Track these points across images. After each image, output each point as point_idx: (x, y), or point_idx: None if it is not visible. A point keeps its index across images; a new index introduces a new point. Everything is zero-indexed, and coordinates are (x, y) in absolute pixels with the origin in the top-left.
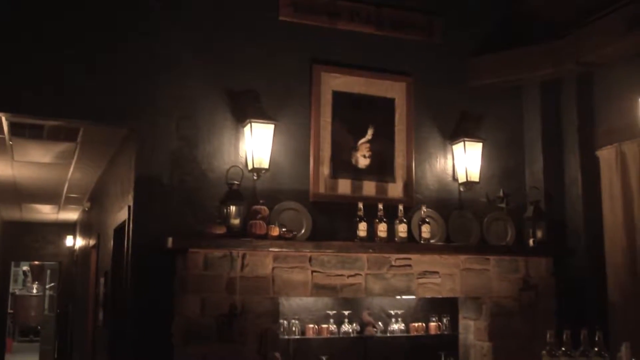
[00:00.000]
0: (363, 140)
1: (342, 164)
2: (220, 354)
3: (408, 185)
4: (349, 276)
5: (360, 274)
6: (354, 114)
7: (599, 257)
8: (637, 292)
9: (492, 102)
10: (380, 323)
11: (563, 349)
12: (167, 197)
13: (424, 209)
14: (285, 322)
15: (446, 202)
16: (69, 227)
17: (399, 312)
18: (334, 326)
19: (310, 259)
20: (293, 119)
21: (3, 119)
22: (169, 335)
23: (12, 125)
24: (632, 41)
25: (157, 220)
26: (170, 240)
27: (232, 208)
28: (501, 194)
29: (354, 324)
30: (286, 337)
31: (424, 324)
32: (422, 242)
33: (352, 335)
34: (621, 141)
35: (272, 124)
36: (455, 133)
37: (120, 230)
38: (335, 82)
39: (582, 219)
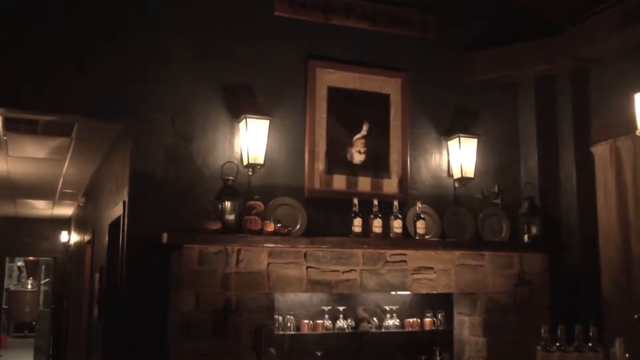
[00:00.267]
0: (358, 136)
1: (337, 160)
2: (215, 349)
3: (403, 181)
4: (344, 272)
5: (355, 270)
6: (349, 109)
7: (594, 252)
8: (631, 287)
9: (487, 98)
10: (375, 319)
11: (557, 344)
12: (162, 192)
13: (419, 204)
14: (280, 317)
15: (441, 198)
16: (63, 223)
17: (394, 307)
18: (329, 322)
19: (305, 255)
20: (288, 114)
21: None
22: (163, 331)
23: (6, 121)
24: (627, 37)
25: (152, 216)
26: (165, 235)
27: (227, 204)
28: (496, 189)
29: (349, 320)
30: (281, 332)
31: (418, 320)
32: (417, 237)
33: (347, 331)
34: (616, 137)
35: (267, 119)
36: (450, 129)
37: (115, 225)
38: (331, 77)
39: (577, 215)
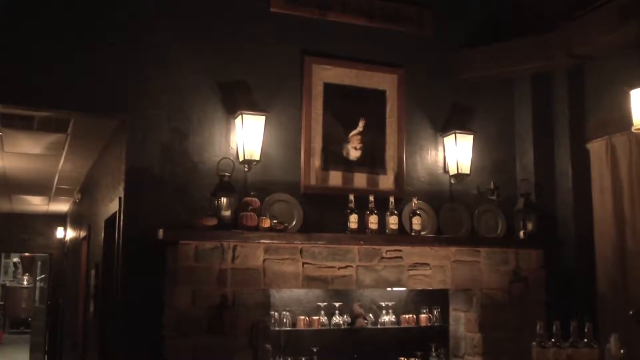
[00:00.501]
0: (354, 132)
1: (333, 156)
2: (211, 345)
3: (399, 177)
4: (339, 268)
5: (351, 266)
6: (345, 105)
7: (589, 249)
8: (626, 284)
9: (483, 95)
10: (371, 315)
11: (553, 340)
12: (158, 188)
13: (414, 201)
14: (276, 313)
15: (437, 194)
16: (59, 219)
17: (390, 303)
18: (325, 318)
19: (301, 251)
20: (284, 110)
21: None
22: (159, 327)
23: (2, 116)
24: (624, 33)
25: (148, 212)
26: (161, 231)
27: (223, 200)
28: (492, 186)
29: (345, 316)
30: (277, 328)
31: (414, 316)
32: (412, 234)
33: (343, 327)
34: (612, 134)
35: (263, 115)
36: (446, 125)
37: (111, 221)
38: (327, 73)
39: (572, 211)
